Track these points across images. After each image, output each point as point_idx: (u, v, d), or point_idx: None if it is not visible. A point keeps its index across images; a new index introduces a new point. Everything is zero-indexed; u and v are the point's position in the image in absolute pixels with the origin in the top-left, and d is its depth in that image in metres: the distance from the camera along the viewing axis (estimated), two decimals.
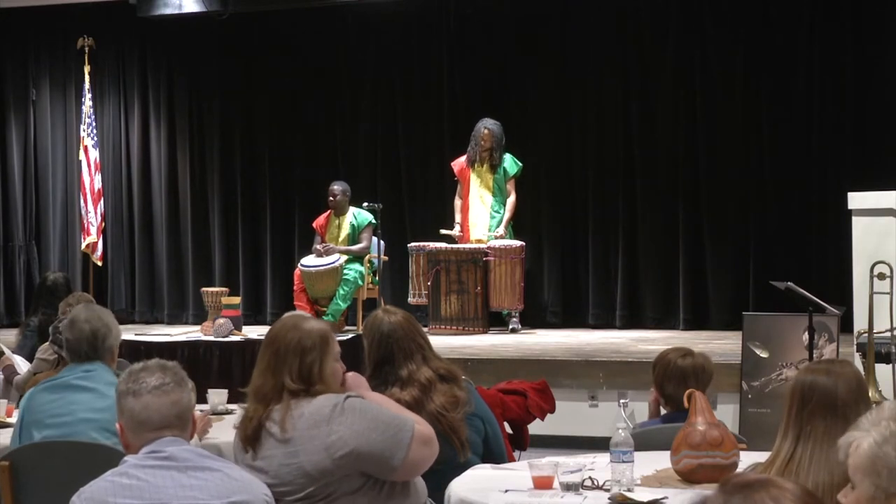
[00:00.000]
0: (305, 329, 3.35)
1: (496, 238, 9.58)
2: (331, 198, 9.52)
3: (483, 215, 9.75)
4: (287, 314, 3.52)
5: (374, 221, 9.42)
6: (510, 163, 9.76)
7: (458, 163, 9.87)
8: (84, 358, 4.05)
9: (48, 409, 3.95)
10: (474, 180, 9.79)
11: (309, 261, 9.41)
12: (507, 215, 9.74)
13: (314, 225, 9.74)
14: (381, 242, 9.39)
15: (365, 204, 9.44)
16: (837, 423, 2.79)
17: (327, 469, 3.19)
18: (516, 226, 9.93)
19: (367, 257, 9.51)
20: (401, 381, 3.85)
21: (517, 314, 9.69)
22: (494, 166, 9.72)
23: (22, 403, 4.07)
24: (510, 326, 9.65)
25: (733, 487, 1.78)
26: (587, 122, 10.25)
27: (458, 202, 9.92)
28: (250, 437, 3.26)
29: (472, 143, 9.76)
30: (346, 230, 9.56)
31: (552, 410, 5.70)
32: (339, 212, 9.58)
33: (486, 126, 9.69)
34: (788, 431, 2.86)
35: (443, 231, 9.84)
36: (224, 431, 4.30)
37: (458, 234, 9.80)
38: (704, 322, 9.72)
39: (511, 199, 9.75)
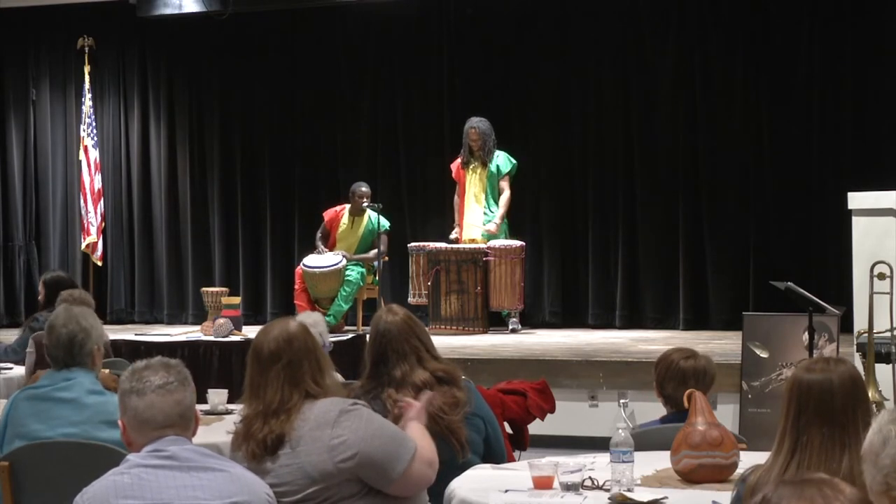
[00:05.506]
0: (301, 331, 3.36)
1: (488, 233, 9.56)
2: (362, 200, 9.44)
3: (477, 215, 9.73)
4: (268, 325, 3.44)
5: (388, 228, 9.43)
6: (504, 160, 9.74)
7: (455, 164, 9.88)
8: (62, 365, 3.96)
9: (28, 423, 3.87)
10: (469, 180, 9.78)
11: (312, 261, 9.39)
12: (500, 211, 9.70)
13: (325, 216, 9.66)
14: None
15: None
16: (835, 432, 2.78)
17: (328, 472, 3.19)
18: (516, 225, 9.93)
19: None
20: (395, 382, 3.82)
21: (517, 314, 9.68)
22: (487, 164, 9.71)
23: (6, 408, 3.98)
24: (510, 326, 9.64)
25: (786, 482, 1.78)
26: (587, 121, 10.25)
27: (456, 201, 9.91)
28: (269, 449, 3.22)
29: (463, 143, 9.78)
30: (360, 231, 9.53)
31: (552, 410, 5.71)
32: (358, 212, 9.56)
33: (472, 125, 9.69)
34: (785, 440, 2.83)
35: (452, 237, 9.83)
36: (224, 431, 4.28)
37: (456, 236, 9.80)
38: (704, 322, 9.72)
39: (505, 196, 9.69)
